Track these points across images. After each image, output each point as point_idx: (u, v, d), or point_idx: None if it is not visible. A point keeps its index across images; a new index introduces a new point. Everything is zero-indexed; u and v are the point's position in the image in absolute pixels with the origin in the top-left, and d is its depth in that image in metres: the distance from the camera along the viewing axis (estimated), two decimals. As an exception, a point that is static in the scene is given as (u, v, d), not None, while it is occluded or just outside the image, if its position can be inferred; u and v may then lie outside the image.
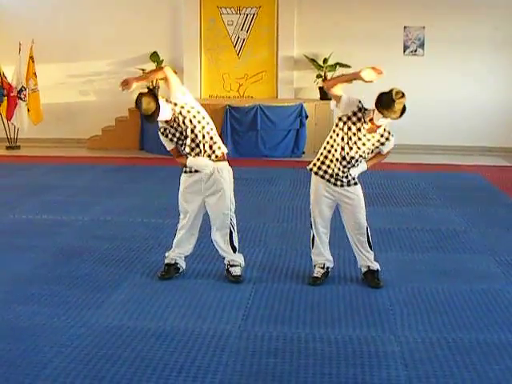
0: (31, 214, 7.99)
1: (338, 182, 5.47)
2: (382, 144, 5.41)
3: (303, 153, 12.38)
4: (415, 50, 13.35)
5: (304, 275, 5.88)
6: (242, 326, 4.83)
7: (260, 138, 12.18)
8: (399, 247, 6.78)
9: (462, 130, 13.22)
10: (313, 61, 13.20)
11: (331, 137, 5.43)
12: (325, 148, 5.49)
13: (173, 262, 5.79)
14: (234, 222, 5.72)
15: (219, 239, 5.71)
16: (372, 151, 5.46)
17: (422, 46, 13.29)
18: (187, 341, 4.55)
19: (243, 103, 12.45)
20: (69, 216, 7.87)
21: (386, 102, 5.03)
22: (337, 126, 5.37)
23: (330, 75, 12.90)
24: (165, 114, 5.35)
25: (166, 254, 5.82)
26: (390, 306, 5.22)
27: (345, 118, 5.31)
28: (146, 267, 6.05)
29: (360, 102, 5.30)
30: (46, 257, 6.38)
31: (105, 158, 12.33)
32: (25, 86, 13.13)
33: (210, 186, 5.57)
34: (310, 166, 5.59)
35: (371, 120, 5.20)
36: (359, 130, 5.30)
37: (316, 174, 5.53)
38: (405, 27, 13.27)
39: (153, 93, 5.50)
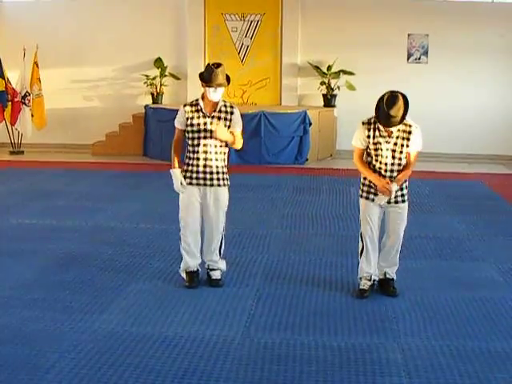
0: (34, 218, 8.01)
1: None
2: (408, 139, 5.30)
3: (306, 160, 12.39)
4: (419, 58, 13.37)
5: (307, 282, 5.88)
6: (245, 332, 4.83)
7: (263, 144, 12.18)
8: (402, 255, 6.74)
9: (465, 138, 13.24)
10: (317, 68, 13.22)
11: (368, 161, 5.45)
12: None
13: (195, 269, 5.82)
14: (224, 228, 5.78)
15: (211, 245, 5.75)
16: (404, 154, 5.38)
17: (425, 53, 13.32)
18: (190, 347, 4.55)
19: (247, 110, 12.41)
20: (72, 221, 7.88)
21: (383, 118, 5.11)
22: (368, 150, 5.41)
23: (333, 82, 12.96)
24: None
25: (183, 264, 5.81)
26: (393, 313, 5.22)
27: (369, 138, 5.34)
28: (149, 273, 6.06)
29: (363, 123, 5.36)
30: (49, 262, 6.38)
31: (108, 163, 12.35)
32: (29, 91, 13.18)
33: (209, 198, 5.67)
34: (359, 192, 5.57)
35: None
36: (380, 136, 5.30)
37: (367, 198, 5.51)
38: (409, 35, 13.30)
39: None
